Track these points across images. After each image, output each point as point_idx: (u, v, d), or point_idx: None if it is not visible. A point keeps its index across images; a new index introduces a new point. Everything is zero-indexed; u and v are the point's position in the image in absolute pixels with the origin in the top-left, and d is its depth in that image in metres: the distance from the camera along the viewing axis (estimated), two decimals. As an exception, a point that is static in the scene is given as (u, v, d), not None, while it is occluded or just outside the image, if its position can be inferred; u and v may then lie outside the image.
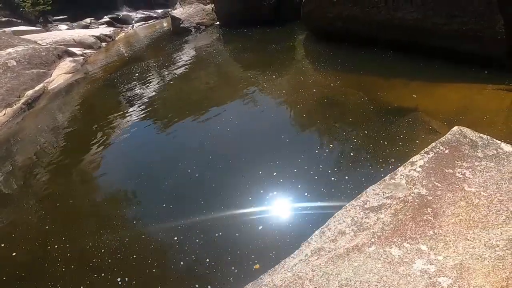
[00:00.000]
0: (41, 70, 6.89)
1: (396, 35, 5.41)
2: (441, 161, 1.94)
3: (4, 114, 5.59)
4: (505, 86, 3.90)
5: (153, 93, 5.77)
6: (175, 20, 10.05)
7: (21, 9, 13.95)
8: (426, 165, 1.93)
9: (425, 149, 2.07)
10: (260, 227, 2.52)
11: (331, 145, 3.35)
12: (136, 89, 6.09)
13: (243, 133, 4.03)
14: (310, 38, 7.03)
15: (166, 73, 6.70)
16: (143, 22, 15.28)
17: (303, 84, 4.88)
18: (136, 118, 4.99)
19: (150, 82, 6.31)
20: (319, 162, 3.08)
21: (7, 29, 10.73)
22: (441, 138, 2.14)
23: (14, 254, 2.79)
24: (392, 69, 4.87)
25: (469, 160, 1.92)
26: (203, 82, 5.89)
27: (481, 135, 2.13)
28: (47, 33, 11.06)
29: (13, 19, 13.02)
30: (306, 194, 2.74)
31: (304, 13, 6.80)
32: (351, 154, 3.16)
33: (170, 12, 11.33)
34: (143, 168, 3.69)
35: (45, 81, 6.72)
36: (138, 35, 11.98)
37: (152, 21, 15.61)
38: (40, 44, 8.08)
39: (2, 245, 2.91)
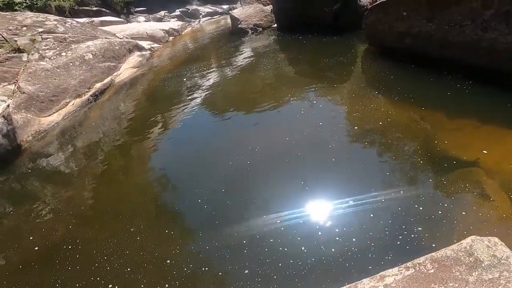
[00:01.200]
0: (112, 64, 7.24)
1: (481, 62, 4.32)
2: (415, 284, 1.44)
3: (73, 104, 6.00)
4: None
5: (209, 87, 5.90)
6: (234, 20, 9.80)
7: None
8: (393, 285, 1.46)
9: (408, 263, 1.57)
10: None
11: (344, 212, 2.65)
12: (194, 82, 6.28)
13: (278, 140, 3.78)
14: (369, 53, 6.06)
15: (222, 71, 6.67)
16: (209, 17, 15.36)
17: (346, 114, 4.18)
18: (194, 109, 5.20)
19: (207, 77, 6.39)
20: (326, 238, 2.46)
21: (96, 19, 11.63)
22: (439, 252, 1.58)
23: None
24: (463, 105, 3.89)
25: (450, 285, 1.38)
26: (254, 85, 5.69)
27: (500, 250, 1.50)
28: (126, 25, 11.70)
29: (102, 9, 14.08)
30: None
31: (367, 25, 5.88)
32: (368, 231, 2.43)
33: (230, 12, 11.04)
34: (196, 155, 3.90)
35: (113, 74, 7.05)
36: (202, 30, 12.03)
37: (217, 16, 15.58)
38: (117, 37, 8.49)
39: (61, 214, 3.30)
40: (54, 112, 5.73)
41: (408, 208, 2.55)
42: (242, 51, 7.83)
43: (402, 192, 2.72)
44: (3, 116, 5.25)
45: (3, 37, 6.84)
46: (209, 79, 6.30)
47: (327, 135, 3.73)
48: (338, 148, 3.47)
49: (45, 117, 5.61)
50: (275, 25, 9.43)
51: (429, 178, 2.84)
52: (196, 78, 6.45)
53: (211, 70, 6.82)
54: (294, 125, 4.04)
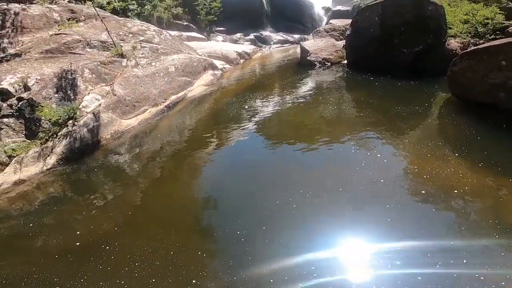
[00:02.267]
0: (188, 79, 7.71)
1: None
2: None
3: (150, 112, 6.49)
4: None
5: (269, 114, 5.90)
6: (303, 51, 9.61)
7: (198, 16, 16.38)
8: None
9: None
10: None
11: None
12: (256, 107, 6.34)
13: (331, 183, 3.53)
14: (452, 105, 5.17)
15: (283, 101, 6.60)
16: (280, 45, 15.63)
17: (415, 175, 3.56)
18: (249, 133, 5.27)
19: (269, 105, 6.40)
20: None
21: (184, 33, 12.71)
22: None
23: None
24: None
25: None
26: (313, 120, 5.46)
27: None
28: (206, 42, 12.53)
29: (190, 25, 15.40)
30: None
31: (453, 72, 5.08)
32: None
33: (301, 42, 10.90)
34: (243, 182, 3.87)
35: (187, 89, 7.49)
36: (271, 57, 12.25)
37: (287, 45, 15.75)
38: (197, 54, 9.09)
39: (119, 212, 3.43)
40: (133, 117, 6.26)
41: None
42: (307, 84, 7.64)
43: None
44: (93, 113, 5.90)
45: (113, 41, 7.83)
46: (269, 107, 6.29)
47: (387, 195, 3.23)
48: (398, 214, 2.96)
49: (125, 119, 6.16)
50: (345, 61, 8.83)
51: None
52: (257, 104, 6.50)
53: (273, 98, 6.81)
54: (351, 175, 3.64)
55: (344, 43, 9.03)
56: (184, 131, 5.84)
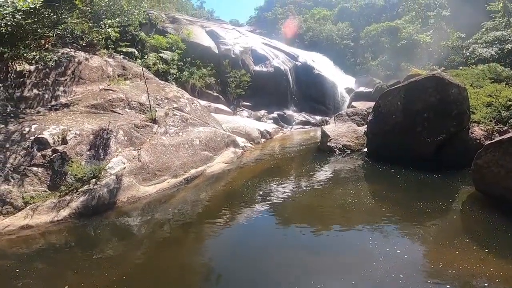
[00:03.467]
0: (210, 154, 8.38)
1: None
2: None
3: (168, 182, 6.96)
4: None
5: (283, 199, 6.09)
6: (324, 136, 9.94)
7: (228, 88, 18.44)
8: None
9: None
10: None
11: None
12: (271, 191, 6.60)
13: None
14: (476, 200, 5.08)
15: (300, 186, 6.82)
16: (301, 126, 16.86)
17: (439, 273, 3.41)
18: (262, 213, 5.49)
19: (284, 190, 6.62)
20: None
21: (212, 104, 14.24)
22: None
23: None
24: None
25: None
26: (330, 208, 5.58)
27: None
28: (232, 117, 13.88)
29: (220, 96, 17.28)
30: None
31: (478, 165, 5.00)
32: None
33: (323, 126, 11.31)
34: (247, 268, 3.87)
35: (207, 164, 8.07)
36: (292, 139, 13.14)
37: (308, 127, 16.91)
38: (222, 129, 10.03)
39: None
40: (152, 184, 6.71)
41: None
42: (325, 171, 7.91)
43: None
44: (116, 176, 6.40)
45: (150, 105, 8.92)
46: (284, 192, 6.53)
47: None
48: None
49: (144, 186, 6.59)
50: (365, 149, 8.94)
51: None
52: (273, 188, 6.78)
53: (289, 183, 7.08)
54: (368, 268, 3.54)
55: (366, 129, 9.15)
56: (197, 205, 6.15)
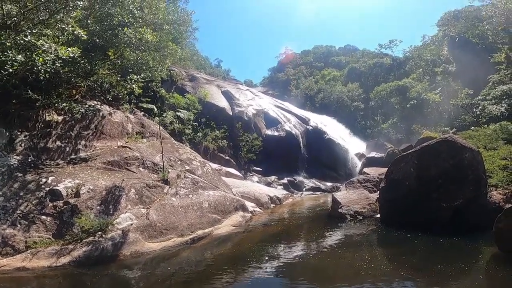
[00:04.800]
0: (218, 217, 8.51)
1: None
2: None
3: (174, 241, 7.07)
4: None
5: (292, 263, 6.00)
6: (335, 203, 9.99)
7: (240, 152, 19.18)
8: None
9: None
10: None
11: None
12: (277, 256, 6.49)
13: None
14: (501, 262, 5.05)
15: (309, 252, 6.72)
16: (311, 192, 16.89)
17: None
18: (268, 274, 5.50)
19: (291, 256, 6.50)
20: None
21: (224, 168, 14.80)
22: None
23: None
24: None
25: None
26: (343, 272, 5.47)
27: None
28: (242, 181, 14.26)
29: (231, 160, 17.95)
30: None
31: (499, 228, 5.28)
32: None
33: (333, 194, 11.44)
34: None
35: (214, 227, 8.15)
36: (302, 205, 13.13)
37: (319, 193, 16.89)
38: (231, 193, 10.31)
39: None
40: (157, 242, 6.83)
41: None
42: (336, 236, 7.80)
43: None
44: (123, 231, 6.56)
45: (163, 166, 9.47)
46: (293, 256, 6.41)
47: None
48: None
49: (149, 242, 6.71)
50: (378, 215, 8.92)
51: None
52: (280, 254, 6.68)
53: (297, 250, 6.97)
54: None
55: (378, 196, 9.21)
56: (200, 264, 6.14)
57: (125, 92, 10.69)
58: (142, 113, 14.20)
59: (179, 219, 7.55)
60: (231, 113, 20.84)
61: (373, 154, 19.51)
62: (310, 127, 22.52)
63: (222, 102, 21.56)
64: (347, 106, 32.24)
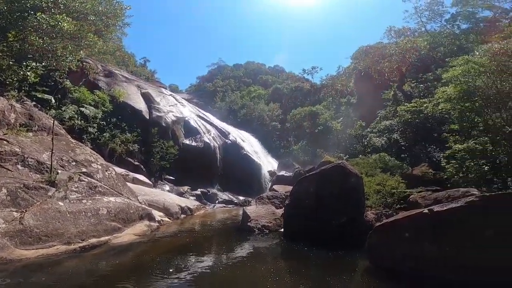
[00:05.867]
0: (118, 225, 7.66)
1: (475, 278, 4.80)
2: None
3: (57, 248, 6.08)
4: None
5: (200, 274, 5.85)
6: (245, 217, 10.36)
7: (152, 159, 17.95)
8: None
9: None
10: None
11: None
12: (187, 265, 6.29)
13: None
14: (373, 274, 5.98)
15: (219, 261, 6.75)
16: (224, 205, 17.03)
17: None
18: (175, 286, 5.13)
19: (202, 264, 6.41)
20: None
21: (131, 174, 13.53)
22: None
23: None
24: None
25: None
26: (251, 284, 5.60)
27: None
28: (151, 189, 13.32)
29: (141, 166, 16.61)
30: None
31: (369, 245, 6.19)
32: None
33: (244, 208, 11.81)
34: None
35: (113, 235, 7.29)
36: (213, 217, 13.06)
37: (231, 206, 17.16)
38: (137, 201, 9.48)
39: None
40: (33, 249, 5.77)
41: None
42: (245, 249, 8.04)
43: None
44: (-15, 238, 5.23)
45: (51, 165, 8.01)
46: (201, 268, 6.28)
47: None
48: None
49: (21, 249, 5.61)
50: (282, 229, 9.63)
51: None
52: (189, 263, 6.48)
53: (207, 259, 6.92)
54: None
55: (283, 212, 10.01)
56: (90, 275, 5.41)
57: (15, 79, 9.44)
58: (34, 103, 11.89)
59: (65, 226, 6.46)
60: (148, 117, 19.63)
61: (282, 172, 21.11)
62: (229, 141, 23.05)
63: (140, 104, 20.11)
64: (266, 125, 34.21)
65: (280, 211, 10.74)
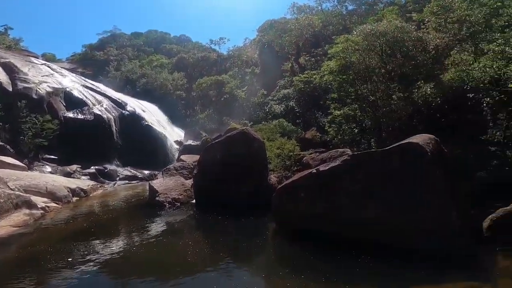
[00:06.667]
0: (-15, 219, 6.24)
1: (363, 235, 5.25)
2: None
3: None
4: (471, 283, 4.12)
5: (112, 258, 5.51)
6: (152, 191, 9.81)
7: (21, 137, 14.60)
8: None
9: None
10: None
11: None
12: (94, 251, 5.82)
13: None
14: (280, 233, 6.63)
15: (132, 242, 6.39)
16: (127, 182, 15.76)
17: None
18: (84, 276, 4.79)
19: (112, 248, 5.99)
20: None
21: (-7, 156, 10.77)
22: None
23: None
24: (358, 278, 4.52)
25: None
26: (172, 260, 5.54)
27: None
28: (27, 172, 11.12)
29: (7, 146, 13.35)
30: None
31: (274, 208, 6.60)
32: None
33: (150, 182, 11.17)
34: None
35: (-21, 232, 5.93)
36: (116, 195, 12.03)
37: (136, 181, 16.06)
38: (7, 187, 7.79)
39: None
40: None
41: None
42: (158, 225, 7.81)
43: None
44: None
45: None
46: (112, 252, 5.86)
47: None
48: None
49: None
50: (194, 201, 9.54)
51: None
52: (96, 249, 6.00)
53: (117, 241, 6.49)
54: None
55: (193, 182, 9.88)
56: None
57: None
58: None
59: None
60: (10, 89, 15.92)
61: (190, 142, 20.65)
62: (127, 112, 21.01)
63: (-2, 76, 15.77)
64: (171, 94, 32.61)
65: (190, 182, 10.58)
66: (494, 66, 7.30)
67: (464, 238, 4.85)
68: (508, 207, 5.48)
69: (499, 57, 7.47)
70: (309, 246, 5.61)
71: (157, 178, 13.18)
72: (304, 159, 10.42)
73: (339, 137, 11.36)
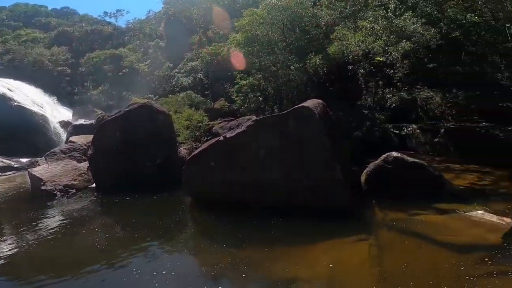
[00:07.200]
0: None
1: (263, 197, 5.67)
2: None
3: None
4: (357, 236, 4.76)
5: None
6: (34, 180, 8.34)
7: None
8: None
9: None
10: None
11: None
12: None
13: None
14: (198, 207, 6.58)
15: (23, 240, 5.47)
16: (0, 174, 12.89)
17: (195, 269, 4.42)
18: None
19: None
20: None
21: None
22: None
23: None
24: (273, 239, 4.95)
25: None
26: (81, 252, 4.99)
27: None
28: None
29: None
30: None
31: (185, 180, 6.56)
32: None
33: (29, 170, 9.44)
34: None
35: None
36: (-21, 192, 9.60)
37: (11, 172, 13.29)
38: None
39: None
40: None
41: None
42: (53, 220, 6.73)
43: None
44: None
45: None
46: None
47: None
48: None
49: None
50: (94, 185, 8.60)
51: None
52: None
53: (2, 248, 5.31)
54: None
55: (88, 165, 8.87)
56: None
57: None
58: None
59: None
60: None
61: (81, 121, 18.44)
62: (-14, 93, 16.63)
63: None
64: (49, 71, 28.14)
65: (85, 165, 9.42)
66: (365, 41, 8.80)
67: (347, 192, 5.45)
68: (377, 161, 6.30)
69: (369, 33, 9.02)
70: (225, 215, 5.82)
71: (38, 165, 11.22)
72: (213, 128, 10.76)
73: (246, 105, 12.03)
